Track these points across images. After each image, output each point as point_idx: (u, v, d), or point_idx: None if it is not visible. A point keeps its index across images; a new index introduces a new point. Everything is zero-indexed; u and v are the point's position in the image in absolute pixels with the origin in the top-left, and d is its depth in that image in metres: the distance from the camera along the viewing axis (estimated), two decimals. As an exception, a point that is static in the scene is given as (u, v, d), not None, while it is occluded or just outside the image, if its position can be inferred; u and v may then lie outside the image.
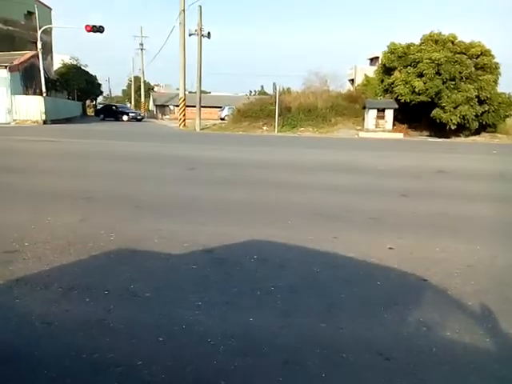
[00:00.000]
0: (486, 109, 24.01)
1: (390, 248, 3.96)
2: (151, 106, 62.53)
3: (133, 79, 68.75)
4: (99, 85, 49.97)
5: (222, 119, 38.26)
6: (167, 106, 56.60)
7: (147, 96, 63.05)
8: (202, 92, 29.67)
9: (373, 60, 37.77)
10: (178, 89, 33.17)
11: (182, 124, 28.72)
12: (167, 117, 52.69)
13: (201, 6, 26.28)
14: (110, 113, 41.45)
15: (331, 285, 3.12)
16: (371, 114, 26.08)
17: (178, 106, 32.47)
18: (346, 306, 2.80)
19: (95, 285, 3.00)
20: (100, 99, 62.67)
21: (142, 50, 56.65)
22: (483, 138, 25.04)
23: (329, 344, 2.36)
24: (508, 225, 5.14)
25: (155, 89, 71.26)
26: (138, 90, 63.91)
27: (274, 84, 26.97)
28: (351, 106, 27.97)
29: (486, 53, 24.59)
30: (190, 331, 2.43)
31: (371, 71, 31.44)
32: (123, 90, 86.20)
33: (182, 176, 8.19)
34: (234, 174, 8.73)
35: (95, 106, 55.64)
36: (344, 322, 2.58)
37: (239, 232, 4.32)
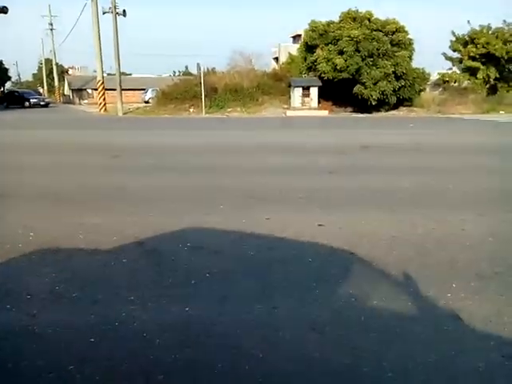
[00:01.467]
0: (403, 84, 25.45)
1: (320, 225, 4.10)
2: (66, 91, 58.39)
3: (44, 62, 63.40)
4: (6, 69, 45.51)
5: (147, 102, 36.79)
6: (85, 89, 53.08)
7: (61, 80, 58.68)
8: (122, 74, 28.25)
9: (296, 38, 38.23)
10: (95, 71, 31.21)
11: (103, 109, 27.19)
12: (85, 101, 49.45)
13: (114, -18, 24.62)
14: (14, 99, 37.97)
15: (266, 266, 3.17)
16: (297, 92, 26.56)
17: (96, 89, 30.60)
18: (280, 285, 2.86)
19: (16, 290, 2.79)
20: (8, 85, 57.30)
21: (51, 30, 52.31)
22: (401, 112, 26.63)
23: (265, 324, 2.41)
24: (426, 194, 5.54)
25: (70, 72, 66.45)
26: (50, 73, 59.17)
27: (198, 64, 26.38)
28: (277, 84, 28.24)
29: (400, 29, 25.86)
30: (124, 328, 2.35)
31: (295, 49, 31.87)
32: (34, 75, 79.38)
33: (104, 164, 7.79)
34: (162, 159, 8.47)
35: (3, 92, 50.80)
36: (279, 302, 2.64)
37: (170, 221, 4.22)
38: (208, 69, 29.15)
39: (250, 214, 4.47)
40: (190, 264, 3.19)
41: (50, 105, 39.93)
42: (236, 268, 3.14)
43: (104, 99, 27.29)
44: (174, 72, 65.98)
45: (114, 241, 3.62)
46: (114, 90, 26.80)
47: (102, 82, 26.88)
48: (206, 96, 25.30)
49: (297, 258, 3.33)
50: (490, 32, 28.88)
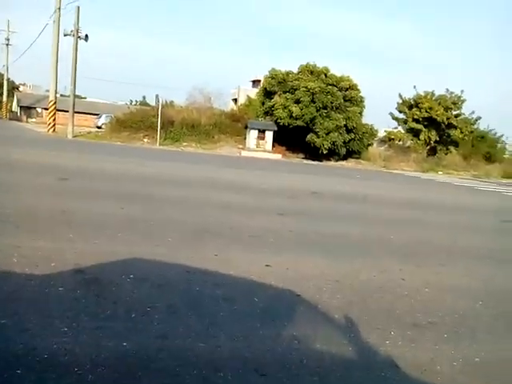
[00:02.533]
0: (353, 137, 26.94)
1: (267, 265, 4.11)
2: (14, 107, 55.99)
3: (-6, 76, 60.82)
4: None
5: (99, 127, 35.97)
6: (34, 108, 51.15)
7: (11, 96, 56.33)
8: (76, 96, 27.63)
9: (255, 82, 39.65)
10: (47, 91, 30.29)
11: (51, 129, 26.21)
12: (33, 120, 47.56)
13: (79, 7, 24.56)
14: None
15: (211, 303, 3.11)
16: (252, 134, 27.21)
17: (46, 109, 29.60)
18: (225, 324, 2.81)
19: None
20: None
21: (7, 45, 50.67)
22: (350, 163, 27.96)
23: (207, 364, 2.33)
24: (369, 242, 5.77)
25: (21, 88, 64.05)
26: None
27: (156, 96, 26.43)
28: (234, 124, 28.82)
29: (353, 87, 27.76)
30: (54, 361, 2.18)
31: (253, 93, 33.01)
32: (-19, 89, 75.59)
33: (50, 187, 7.44)
34: (110, 186, 8.24)
35: None
36: (222, 341, 2.58)
37: (115, 249, 4.06)
38: (166, 101, 29.28)
39: (198, 249, 4.42)
40: (132, 296, 3.06)
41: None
42: (180, 303, 3.06)
43: (54, 119, 26.37)
44: (131, 101, 65.52)
45: (53, 267, 3.42)
46: (66, 111, 26.07)
47: (54, 102, 26.08)
48: (161, 128, 25.22)
49: (243, 297, 3.31)
50: (434, 98, 31.60)
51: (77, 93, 27.38)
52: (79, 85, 25.92)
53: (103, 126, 33.70)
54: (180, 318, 2.83)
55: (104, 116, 38.60)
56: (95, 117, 43.11)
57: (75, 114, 26.18)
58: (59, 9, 25.64)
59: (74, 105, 25.39)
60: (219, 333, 2.67)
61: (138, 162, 14.27)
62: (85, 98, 57.10)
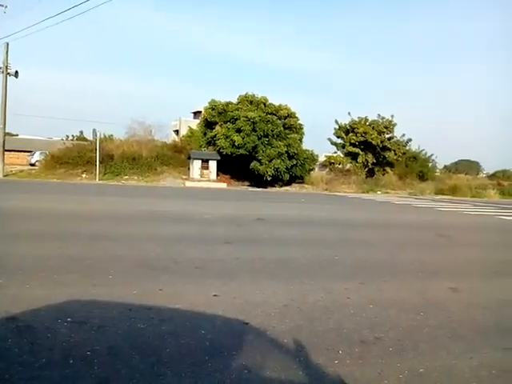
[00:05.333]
0: (295, 163, 27.76)
1: (214, 295, 4.04)
2: None
3: None
4: None
5: (32, 165, 34.25)
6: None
7: None
8: (7, 134, 26.21)
9: (196, 114, 39.94)
10: (-24, 128, 28.48)
11: (-20, 169, 24.58)
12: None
13: (8, 43, 23.68)
14: None
15: (156, 340, 2.98)
16: (196, 165, 27.19)
17: (-25, 148, 27.78)
18: (171, 360, 2.69)
19: None
20: None
21: None
22: (294, 188, 28.66)
23: (153, 406, 2.21)
24: (315, 264, 5.86)
25: None
26: None
27: (94, 130, 25.80)
28: (177, 155, 28.68)
29: (292, 115, 28.88)
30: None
31: (195, 124, 33.19)
32: None
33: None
34: (43, 225, 7.79)
35: None
36: (169, 379, 2.47)
37: (50, 293, 3.80)
38: (105, 135, 28.60)
39: (141, 285, 4.25)
40: (70, 341, 2.86)
41: None
42: (122, 344, 2.90)
43: (-18, 159, 24.76)
44: (68, 136, 63.09)
45: (-22, 317, 3.13)
46: (-4, 150, 24.61)
47: (-17, 141, 24.60)
48: (101, 162, 24.52)
49: (190, 330, 3.20)
50: (367, 123, 33.53)
51: (8, 130, 25.97)
52: (11, 122, 24.66)
53: (37, 164, 32.13)
54: (122, 359, 2.68)
55: (38, 153, 36.87)
56: (28, 154, 41.02)
57: (6, 152, 24.77)
58: (-14, 44, 24.58)
59: (4, 142, 24.05)
60: (165, 371, 2.56)
61: (75, 199, 13.66)
62: (17, 135, 54.28)
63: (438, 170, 40.46)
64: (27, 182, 21.77)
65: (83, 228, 7.73)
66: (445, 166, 47.36)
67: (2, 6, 24.79)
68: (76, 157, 25.73)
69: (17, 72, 24.20)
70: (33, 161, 36.54)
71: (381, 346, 3.14)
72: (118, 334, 3.04)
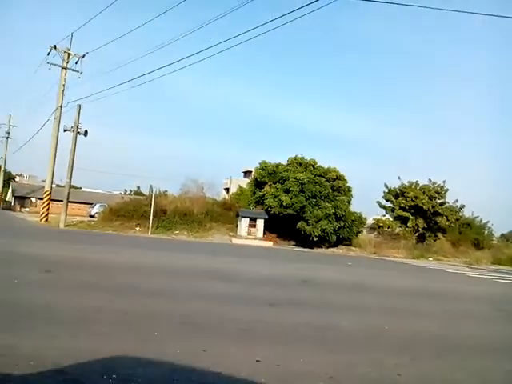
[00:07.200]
0: (342, 224, 27.38)
1: (257, 361, 3.95)
2: (9, 197, 56.65)
3: (-9, 167, 62.62)
4: None
5: (92, 216, 36.25)
6: (29, 198, 51.81)
7: (6, 186, 57.37)
8: (71, 187, 28.17)
9: (246, 173, 41.19)
10: (43, 181, 30.97)
11: (44, 219, 26.31)
12: (27, 209, 47.87)
13: (80, 105, 26.09)
14: None
15: (197, 405, 2.93)
16: (244, 222, 27.52)
17: (41, 198, 30.02)
18: (211, 429, 2.63)
19: None
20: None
21: (7, 138, 52.95)
22: (341, 250, 28.00)
23: None
24: (363, 334, 5.59)
25: (17, 179, 65.40)
26: (-4, 178, 58.04)
27: (150, 186, 27.23)
28: (226, 213, 29.27)
29: (340, 177, 28.98)
30: None
31: (245, 183, 34.11)
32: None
33: (33, 279, 7.22)
34: (97, 277, 8.06)
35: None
36: None
37: (98, 346, 3.89)
38: (160, 191, 29.95)
39: (185, 344, 4.25)
40: (113, 399, 2.89)
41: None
42: (164, 406, 2.88)
43: (47, 209, 26.61)
44: (126, 190, 66.81)
45: (31, 366, 3.25)
46: (61, 201, 26.41)
47: (49, 193, 26.56)
48: (154, 217, 25.47)
49: (231, 398, 3.13)
50: (418, 188, 32.79)
51: (72, 183, 27.95)
52: (75, 175, 26.68)
53: (96, 215, 33.94)
54: (163, 422, 2.65)
55: (98, 205, 39.10)
56: (89, 206, 43.58)
57: (69, 204, 26.48)
58: (61, 106, 27.28)
59: (68, 195, 25.78)
60: None
61: (127, 252, 14.16)
62: (80, 188, 58.19)
63: (494, 238, 38.03)
64: (86, 232, 22.92)
65: (132, 281, 7.94)
66: (502, 235, 44.59)
67: (78, 71, 27.65)
68: (132, 210, 26.95)
69: (86, 131, 26.33)
70: (93, 212, 38.68)
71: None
72: (160, 396, 3.03)
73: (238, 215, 28.30)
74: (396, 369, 4.16)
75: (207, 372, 3.54)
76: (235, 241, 26.18)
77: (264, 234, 27.85)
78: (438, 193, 32.44)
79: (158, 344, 4.20)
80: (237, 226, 28.11)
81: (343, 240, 28.53)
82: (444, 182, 32.73)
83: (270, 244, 26.87)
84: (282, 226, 27.83)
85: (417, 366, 4.35)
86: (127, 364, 3.59)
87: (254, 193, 29.80)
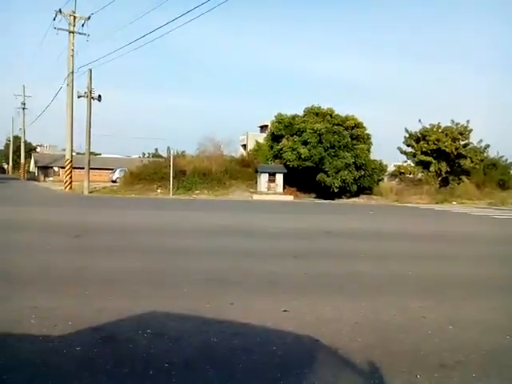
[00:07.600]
0: (362, 174, 27.07)
1: (284, 311, 4.06)
2: (32, 168, 57.97)
3: (12, 139, 63.82)
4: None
5: (114, 182, 36.88)
6: (51, 167, 52.91)
7: (28, 157, 58.55)
8: (91, 153, 28.52)
9: (263, 128, 40.61)
10: (64, 150, 31.41)
11: (68, 187, 26.95)
12: (50, 179, 49.03)
13: (91, 70, 25.82)
14: None
15: (229, 355, 3.06)
16: (263, 178, 27.55)
17: (63, 167, 30.61)
18: (244, 377, 2.75)
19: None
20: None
21: (23, 109, 53.40)
22: (362, 200, 27.88)
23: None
24: (387, 279, 5.66)
25: (38, 149, 66.57)
26: (17, 150, 59.20)
27: (168, 148, 27.24)
28: (244, 169, 29.29)
29: (359, 125, 28.24)
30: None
31: (262, 138, 33.72)
32: (0, 151, 79.25)
33: (63, 245, 7.54)
34: (124, 240, 8.32)
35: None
36: (242, 394, 2.52)
37: (130, 305, 4.06)
38: (178, 152, 30.03)
39: (213, 298, 4.39)
40: (149, 352, 3.03)
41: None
42: (197, 357, 3.02)
43: (70, 177, 27.17)
44: (144, 154, 67.23)
45: (69, 326, 3.43)
46: (82, 168, 26.87)
47: (71, 161, 27.01)
48: (174, 178, 25.73)
49: (261, 346, 3.25)
50: (440, 130, 31.77)
51: (91, 150, 28.27)
52: (93, 142, 26.86)
53: (118, 180, 34.51)
54: (198, 372, 2.79)
55: (118, 170, 39.60)
56: (110, 171, 44.21)
57: (91, 171, 26.93)
58: (72, 72, 27.09)
59: (89, 162, 26.16)
60: (238, 386, 2.62)
61: (150, 214, 14.46)
62: (99, 154, 58.85)
63: (520, 178, 37.05)
64: (109, 197, 23.45)
65: (157, 242, 8.15)
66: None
67: (85, 34, 27.17)
68: (152, 173, 27.29)
69: (100, 96, 26.25)
70: (114, 178, 39.31)
71: (462, 370, 2.95)
72: (193, 347, 3.16)
73: (256, 171, 28.29)
74: (421, 312, 4.21)
75: (236, 323, 3.67)
76: (255, 197, 26.36)
77: (284, 188, 27.89)
78: (461, 134, 31.38)
79: (187, 300, 4.35)
80: (256, 183, 28.19)
81: (364, 189, 28.31)
82: (468, 121, 31.55)
83: (290, 198, 26.96)
84: (301, 179, 27.73)
85: (442, 309, 4.39)
86: (159, 319, 3.75)
87: (272, 147, 29.52)
